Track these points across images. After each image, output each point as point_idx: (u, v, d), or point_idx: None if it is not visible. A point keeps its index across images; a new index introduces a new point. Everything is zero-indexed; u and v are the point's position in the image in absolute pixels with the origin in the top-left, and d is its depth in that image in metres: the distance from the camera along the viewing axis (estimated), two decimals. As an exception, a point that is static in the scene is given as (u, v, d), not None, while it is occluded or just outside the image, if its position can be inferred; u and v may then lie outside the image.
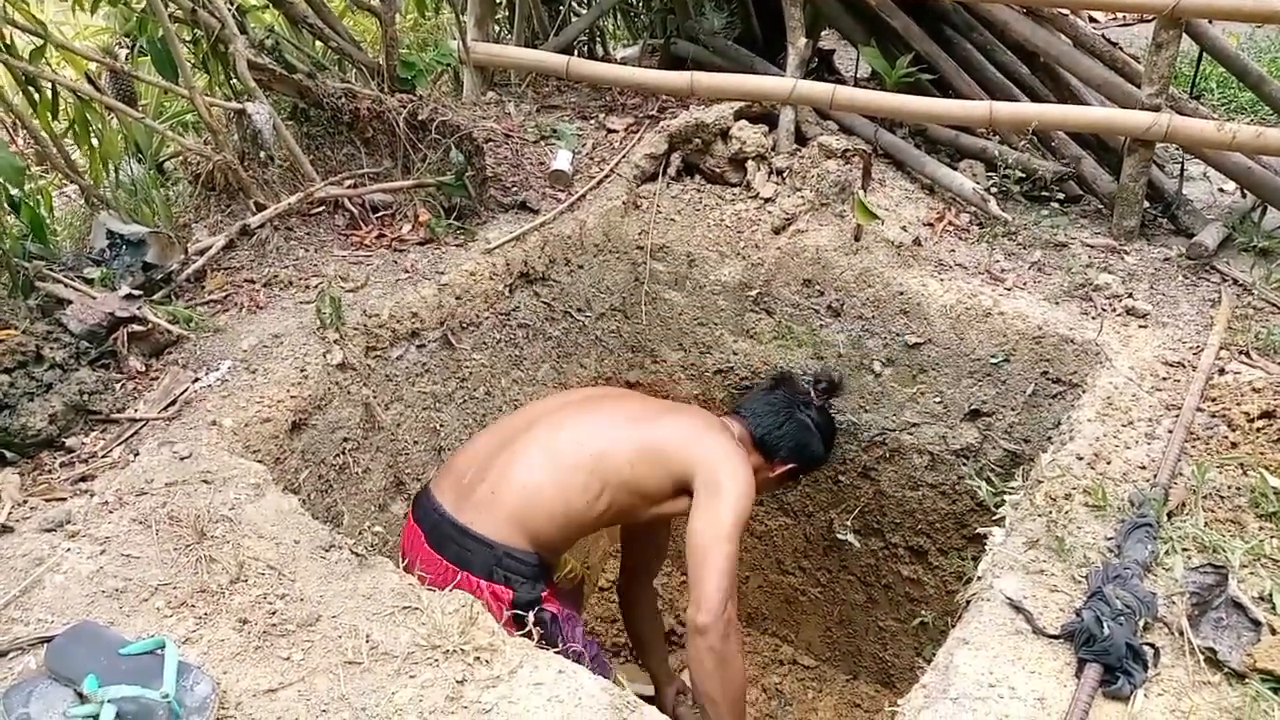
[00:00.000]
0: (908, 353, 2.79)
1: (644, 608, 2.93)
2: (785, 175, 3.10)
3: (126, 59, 3.44)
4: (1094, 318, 2.52)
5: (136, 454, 1.96)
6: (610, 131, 3.48)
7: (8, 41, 2.52)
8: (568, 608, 2.28)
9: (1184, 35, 2.70)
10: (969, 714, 1.43)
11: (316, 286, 2.52)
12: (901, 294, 2.76)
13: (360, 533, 2.24)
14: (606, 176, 3.22)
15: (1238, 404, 2.11)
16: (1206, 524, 1.77)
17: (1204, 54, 3.01)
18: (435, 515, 2.20)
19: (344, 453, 2.37)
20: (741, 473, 2.22)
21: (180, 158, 3.23)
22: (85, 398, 2.06)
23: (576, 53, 3.96)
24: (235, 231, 2.66)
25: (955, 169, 3.06)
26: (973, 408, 2.73)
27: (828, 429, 2.65)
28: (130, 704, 1.36)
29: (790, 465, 2.53)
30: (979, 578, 1.75)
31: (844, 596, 3.32)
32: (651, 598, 2.96)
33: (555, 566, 2.33)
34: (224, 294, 2.52)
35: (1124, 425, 2.10)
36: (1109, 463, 1.97)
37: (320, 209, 2.88)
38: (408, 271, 2.66)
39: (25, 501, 1.83)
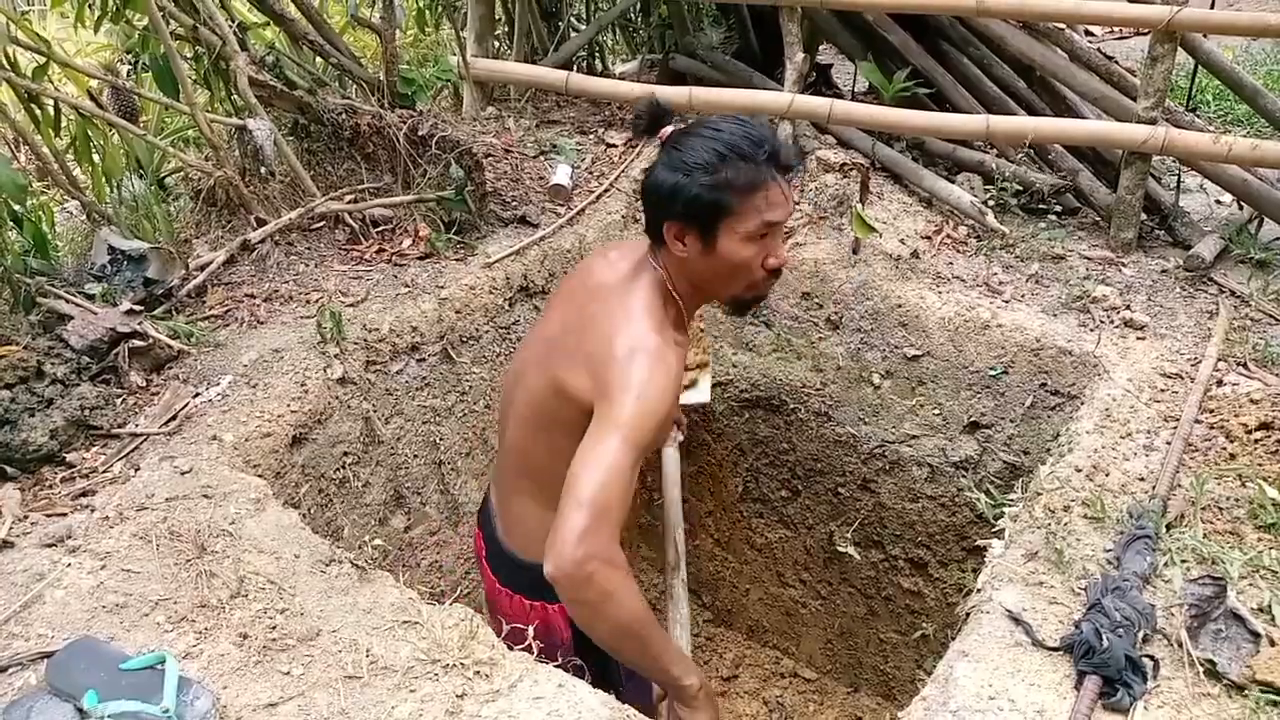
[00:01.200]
0: (906, 365, 2.79)
1: None
2: (784, 189, 3.11)
3: (128, 75, 3.46)
4: (1092, 330, 2.53)
5: (137, 469, 1.97)
6: (609, 146, 3.50)
7: (11, 59, 2.53)
8: None
9: (1180, 49, 2.72)
10: (969, 727, 1.42)
11: (317, 301, 2.52)
12: (900, 306, 2.76)
13: (360, 547, 2.24)
14: (606, 191, 3.23)
15: (1236, 415, 2.11)
16: (1205, 535, 1.77)
17: (1200, 67, 3.03)
18: (489, 528, 1.98)
19: (344, 467, 2.37)
20: (634, 372, 1.58)
21: (181, 173, 3.25)
22: (86, 413, 2.07)
23: (576, 68, 3.99)
24: (236, 247, 2.67)
25: (953, 182, 3.07)
26: (972, 420, 2.73)
27: (668, 153, 1.67)
28: (130, 719, 1.36)
29: (669, 225, 1.66)
30: (978, 590, 1.75)
31: (844, 609, 3.31)
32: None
33: None
34: (225, 309, 2.53)
35: (1122, 437, 2.10)
36: (1108, 474, 1.97)
37: (321, 224, 2.89)
38: (408, 286, 2.67)
39: (26, 517, 1.84)
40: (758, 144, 1.61)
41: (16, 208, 2.40)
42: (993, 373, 2.63)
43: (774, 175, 1.61)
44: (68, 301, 2.31)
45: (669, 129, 1.73)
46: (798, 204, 3.04)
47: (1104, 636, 1.48)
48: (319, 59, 3.42)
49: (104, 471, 1.98)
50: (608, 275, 1.82)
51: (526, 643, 1.60)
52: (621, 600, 1.51)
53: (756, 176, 1.60)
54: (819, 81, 3.89)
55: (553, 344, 1.79)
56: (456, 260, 2.83)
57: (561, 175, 3.18)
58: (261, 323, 2.49)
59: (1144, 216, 2.92)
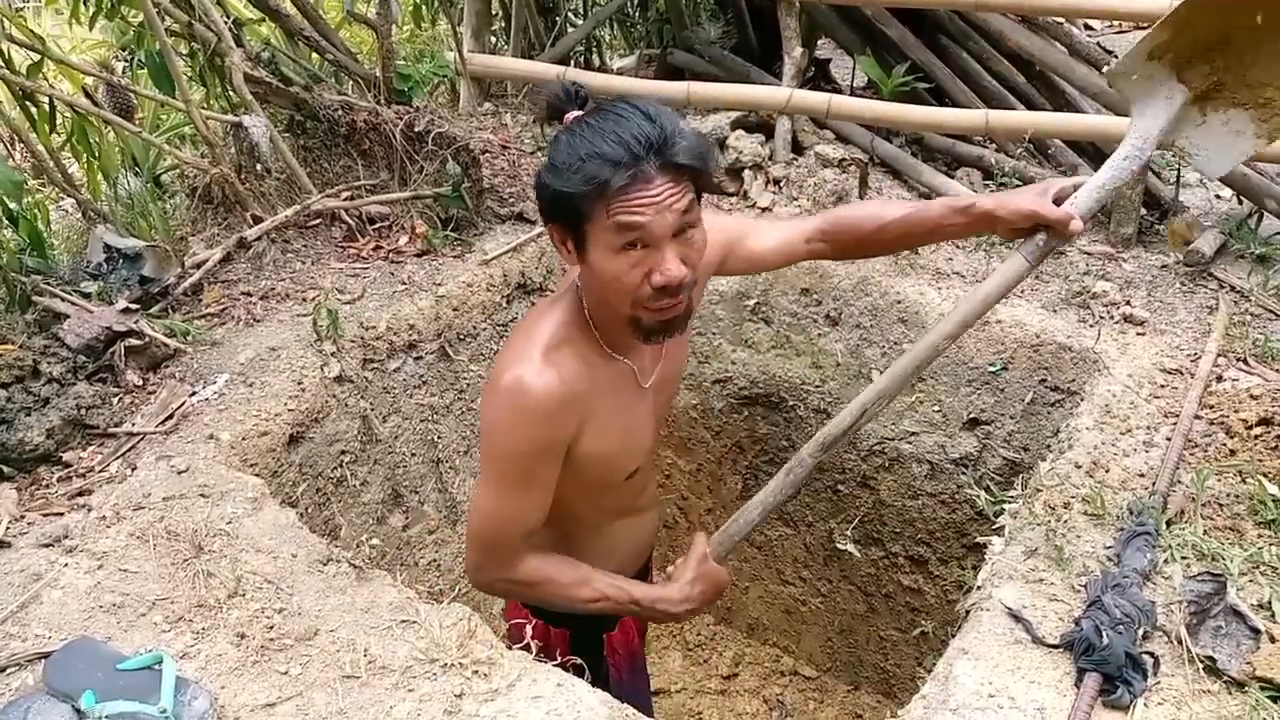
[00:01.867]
0: (906, 361, 2.78)
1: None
2: (782, 184, 3.11)
3: (124, 73, 3.45)
4: (1092, 325, 2.52)
5: (134, 468, 1.96)
6: (607, 142, 3.49)
7: (6, 56, 2.52)
8: (640, 649, 2.00)
9: (1178, 43, 2.71)
10: (969, 725, 1.42)
11: (313, 299, 2.52)
12: (899, 302, 2.76)
13: (358, 546, 2.24)
14: (604, 187, 3.22)
15: (1236, 411, 2.11)
16: (1205, 532, 1.76)
17: (1198, 61, 3.02)
18: None
19: (341, 465, 2.37)
20: (486, 411, 1.53)
21: (177, 171, 3.24)
22: (82, 412, 2.06)
23: (573, 63, 3.98)
24: (232, 244, 2.66)
25: (952, 177, 3.07)
26: (971, 416, 2.73)
27: (560, 151, 1.39)
28: (128, 719, 1.36)
29: (553, 226, 1.45)
30: (978, 587, 1.74)
31: (845, 606, 3.31)
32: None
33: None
34: (221, 307, 2.52)
35: (1122, 433, 2.09)
36: (1107, 471, 1.97)
37: (317, 221, 2.89)
38: (405, 283, 2.66)
39: (23, 516, 1.83)
40: (635, 138, 1.34)
41: (12, 206, 2.39)
42: (992, 369, 2.63)
43: (648, 174, 1.34)
44: (63, 300, 2.31)
45: (573, 114, 1.46)
46: (796, 199, 3.03)
47: (1104, 633, 1.47)
48: (315, 55, 3.41)
49: (101, 471, 1.97)
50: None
51: (525, 641, 1.59)
52: (538, 593, 1.66)
53: (616, 176, 1.33)
54: (817, 76, 3.88)
55: None
56: (454, 257, 2.82)
57: (559, 171, 3.16)
58: (258, 321, 2.48)
59: (1144, 211, 2.92)
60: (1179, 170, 3.14)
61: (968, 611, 1.71)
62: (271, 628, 1.58)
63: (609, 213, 1.35)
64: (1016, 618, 1.60)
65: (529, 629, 1.66)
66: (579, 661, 1.81)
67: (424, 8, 4.48)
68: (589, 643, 1.81)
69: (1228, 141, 1.61)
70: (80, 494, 1.91)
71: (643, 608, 1.71)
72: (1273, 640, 1.50)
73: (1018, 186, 2.96)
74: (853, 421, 1.77)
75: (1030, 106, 3.18)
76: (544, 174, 1.41)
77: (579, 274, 1.52)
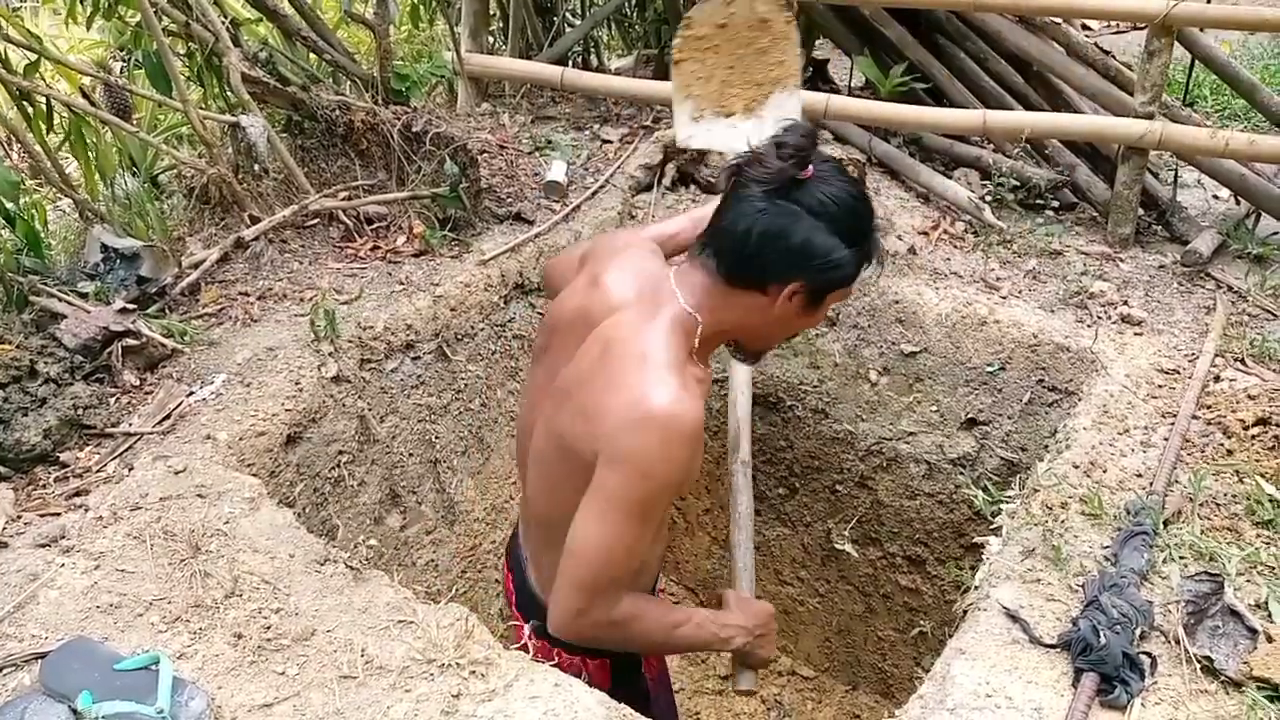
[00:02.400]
0: (904, 361, 2.79)
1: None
2: (780, 185, 3.11)
3: (121, 73, 3.45)
4: (1089, 325, 2.53)
5: (131, 468, 1.96)
6: (605, 142, 3.49)
7: (2, 56, 2.52)
8: (665, 670, 2.03)
9: (1177, 43, 2.71)
10: (966, 725, 1.42)
11: (311, 299, 2.51)
12: (897, 303, 2.76)
13: (355, 546, 2.24)
14: (601, 187, 3.22)
15: (1233, 411, 2.11)
16: (1203, 532, 1.76)
17: (1197, 62, 3.03)
18: (520, 571, 1.86)
19: (339, 466, 2.37)
20: (641, 439, 1.44)
21: (175, 171, 3.23)
22: (79, 412, 2.06)
23: (571, 64, 3.97)
24: (230, 244, 2.66)
25: (950, 178, 3.07)
26: (969, 416, 2.73)
27: (831, 208, 1.49)
28: (125, 719, 1.36)
29: (794, 285, 1.49)
30: (976, 587, 1.75)
31: (842, 606, 3.31)
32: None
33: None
34: (218, 307, 2.52)
35: (1120, 433, 2.10)
36: (1105, 471, 1.97)
37: (315, 221, 2.88)
38: (402, 283, 2.66)
39: (19, 517, 1.83)
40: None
41: (9, 206, 2.38)
42: (990, 369, 2.63)
43: None
44: (61, 300, 2.30)
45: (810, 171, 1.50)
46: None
47: (1101, 634, 1.48)
48: (312, 55, 3.41)
49: (98, 471, 1.97)
50: (611, 305, 1.62)
51: (522, 642, 1.59)
52: (634, 639, 1.58)
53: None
54: (815, 76, 3.88)
55: (555, 395, 1.63)
56: (451, 257, 2.82)
57: (557, 171, 3.17)
58: (255, 321, 2.48)
59: (1141, 212, 2.92)
60: (1176, 170, 3.15)
61: (965, 611, 1.71)
62: (268, 628, 1.57)
63: (850, 287, 1.56)
64: (1014, 618, 1.61)
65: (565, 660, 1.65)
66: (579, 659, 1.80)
67: (421, 8, 4.47)
68: (628, 669, 1.79)
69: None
70: (77, 494, 1.90)
71: (719, 625, 1.71)
72: (1270, 640, 1.50)
73: (1015, 187, 2.96)
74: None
75: (1028, 106, 3.18)
76: (839, 246, 1.47)
77: (713, 303, 1.54)
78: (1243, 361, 2.31)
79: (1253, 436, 2.02)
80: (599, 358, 1.55)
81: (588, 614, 1.49)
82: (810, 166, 1.51)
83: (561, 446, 1.57)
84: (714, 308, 1.54)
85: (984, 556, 1.82)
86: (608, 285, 1.67)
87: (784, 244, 1.47)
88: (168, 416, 2.11)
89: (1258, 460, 1.95)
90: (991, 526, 1.93)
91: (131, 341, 2.24)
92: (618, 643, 1.59)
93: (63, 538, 1.75)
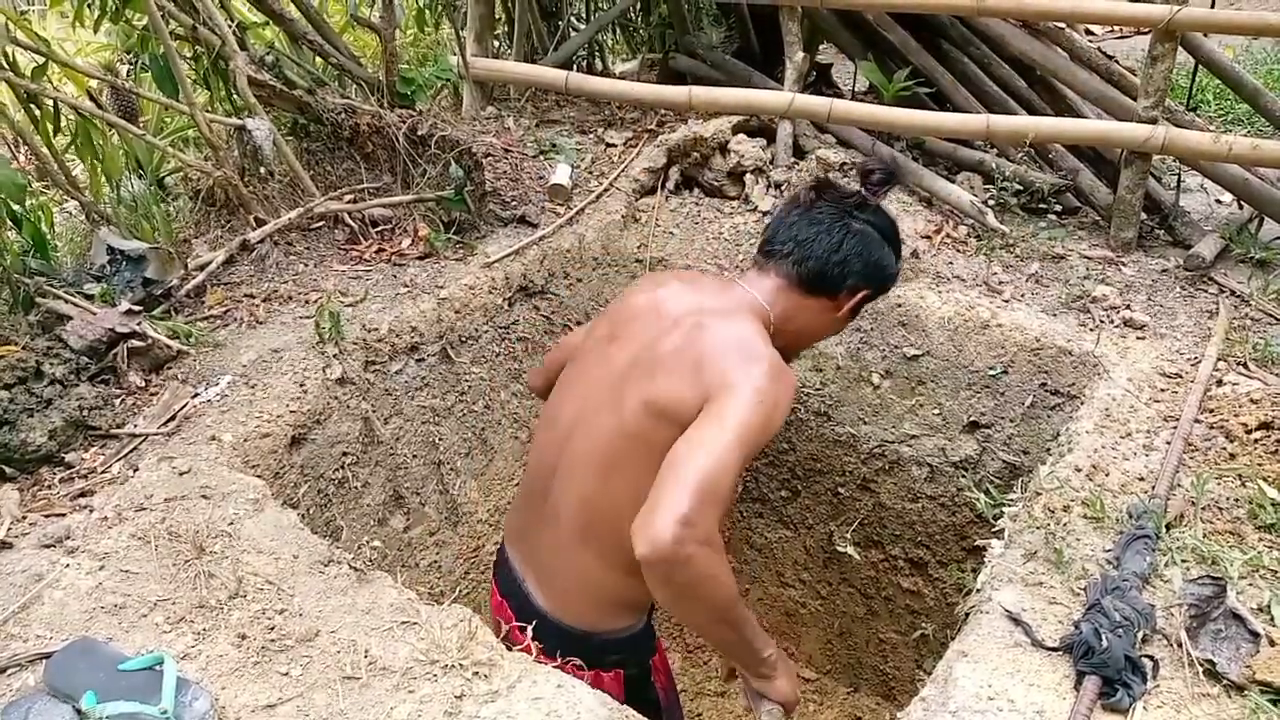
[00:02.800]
0: (906, 365, 2.79)
1: None
2: (783, 188, 3.12)
3: (128, 75, 3.46)
4: (1092, 329, 2.53)
5: (136, 469, 1.97)
6: (609, 146, 3.50)
7: (10, 59, 2.53)
8: (670, 675, 2.05)
9: (1180, 48, 2.71)
10: (968, 727, 1.42)
11: (316, 301, 2.52)
12: (900, 306, 2.76)
13: (359, 547, 2.24)
14: (605, 190, 3.23)
15: (1236, 415, 2.11)
16: (1205, 535, 1.76)
17: (1200, 66, 3.03)
18: (519, 596, 1.88)
19: (343, 467, 2.37)
20: (758, 375, 1.59)
21: (181, 173, 3.25)
22: (85, 413, 2.07)
23: (575, 67, 3.99)
24: (235, 247, 2.67)
25: (953, 182, 3.07)
26: (971, 419, 2.73)
27: (891, 231, 1.91)
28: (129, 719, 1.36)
29: (863, 291, 1.84)
30: (978, 590, 1.75)
31: (844, 609, 3.31)
32: None
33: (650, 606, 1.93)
34: (224, 309, 2.53)
35: (1122, 437, 2.10)
36: (1107, 474, 1.97)
37: (320, 224, 2.89)
38: (407, 286, 2.67)
39: (24, 517, 1.84)
40: None
41: (15, 208, 2.40)
42: (992, 372, 2.63)
43: None
44: (67, 302, 2.31)
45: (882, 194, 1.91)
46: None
47: (1103, 637, 1.48)
48: (318, 59, 3.42)
49: (103, 472, 1.98)
50: (692, 303, 1.78)
51: (525, 643, 1.60)
52: (720, 583, 1.49)
53: None
54: (819, 81, 3.89)
55: (627, 376, 1.72)
56: (456, 260, 2.82)
57: (561, 175, 3.18)
58: (260, 323, 2.49)
59: (1144, 216, 2.92)
60: (1179, 175, 3.15)
61: (967, 614, 1.71)
62: (272, 629, 1.58)
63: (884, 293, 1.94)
64: (1016, 621, 1.61)
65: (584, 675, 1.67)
66: (578, 661, 1.80)
67: (427, 12, 4.49)
68: (642, 677, 1.83)
69: None
70: (82, 495, 1.91)
71: (756, 652, 1.67)
72: (1272, 644, 1.50)
73: (1018, 191, 2.97)
74: None
75: (1031, 111, 3.18)
76: (887, 257, 1.86)
77: (785, 308, 1.81)
78: (1245, 366, 2.31)
79: (1255, 440, 2.02)
80: (693, 330, 1.70)
81: (695, 524, 1.42)
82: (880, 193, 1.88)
83: (653, 410, 1.64)
84: (785, 308, 1.80)
85: (986, 559, 1.82)
86: (677, 284, 1.87)
87: (865, 258, 1.81)
88: (173, 418, 2.12)
89: (1260, 464, 1.95)
90: (993, 529, 1.93)
91: (137, 343, 2.25)
92: (700, 579, 1.47)
93: (67, 538, 1.76)
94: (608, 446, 1.71)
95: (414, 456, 2.62)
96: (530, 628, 1.65)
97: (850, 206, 1.85)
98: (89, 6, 2.81)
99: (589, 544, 1.74)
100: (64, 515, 1.84)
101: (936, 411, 2.79)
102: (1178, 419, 2.12)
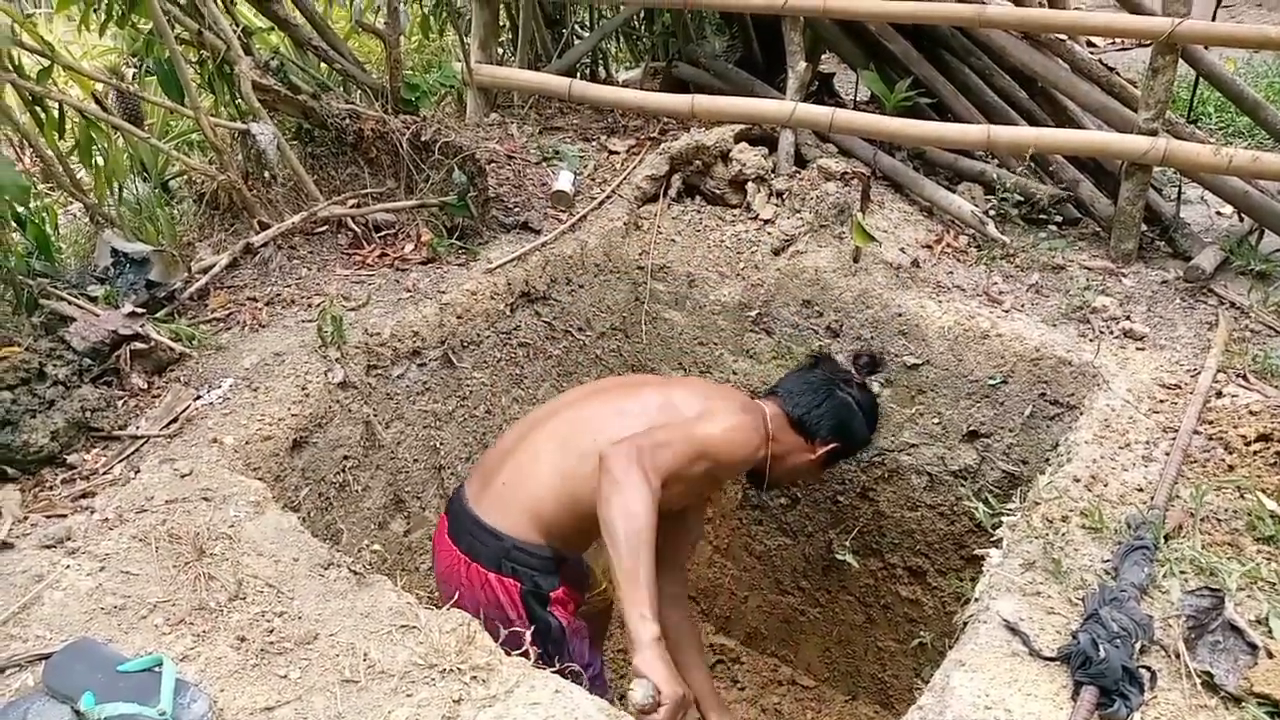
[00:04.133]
0: (906, 374, 2.80)
1: (670, 600, 2.37)
2: (785, 197, 3.12)
3: (133, 79, 3.48)
4: (1091, 340, 2.53)
5: (137, 471, 1.97)
6: (612, 153, 3.51)
7: (16, 62, 2.54)
8: (581, 621, 2.25)
9: (1181, 60, 2.72)
10: (965, 736, 1.42)
11: (319, 305, 2.53)
12: (900, 315, 2.77)
13: (359, 551, 2.25)
14: (608, 197, 3.24)
15: (1235, 427, 2.11)
16: (1203, 547, 1.77)
17: (1201, 79, 3.04)
18: (458, 505, 2.20)
19: (344, 471, 2.38)
20: (739, 418, 2.21)
21: (185, 177, 3.26)
22: (87, 415, 2.07)
23: (579, 75, 4.00)
24: (239, 250, 2.68)
25: (954, 192, 3.08)
26: (971, 429, 2.73)
27: (870, 407, 2.47)
28: (127, 721, 1.37)
29: (832, 445, 2.36)
30: (976, 599, 1.75)
31: (843, 617, 3.31)
32: (681, 587, 2.54)
33: (576, 562, 2.27)
34: (227, 312, 2.54)
35: (1121, 447, 2.10)
36: (1106, 485, 1.98)
37: (323, 228, 2.90)
38: (409, 290, 2.67)
39: (26, 518, 1.84)
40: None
41: (19, 210, 2.40)
42: (992, 382, 2.64)
43: None
44: (70, 303, 2.32)
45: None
46: (798, 211, 3.05)
47: (1101, 647, 1.48)
48: (323, 64, 3.43)
49: (104, 473, 1.98)
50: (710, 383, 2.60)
51: (524, 648, 1.60)
52: (637, 498, 1.87)
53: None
54: (821, 90, 3.90)
55: (666, 385, 2.37)
56: (458, 265, 2.83)
57: (564, 181, 3.19)
58: (263, 326, 2.50)
59: (1144, 227, 2.93)
60: (1180, 187, 3.16)
61: (965, 623, 1.72)
62: (271, 631, 1.58)
63: (854, 453, 2.57)
64: (1014, 630, 1.61)
65: (484, 578, 2.05)
66: (576, 668, 1.84)
67: (432, 18, 4.51)
68: (538, 596, 2.09)
69: None
70: (83, 496, 1.92)
71: (634, 612, 1.80)
72: (1270, 656, 1.50)
73: (1019, 202, 2.98)
74: None
75: (1032, 122, 3.19)
76: (859, 425, 2.42)
77: (776, 431, 2.33)
78: (1245, 377, 2.31)
79: (1254, 452, 2.02)
80: (707, 386, 2.47)
81: (648, 454, 1.94)
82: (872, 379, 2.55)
83: (660, 404, 2.22)
84: (777, 429, 2.34)
85: (984, 569, 1.82)
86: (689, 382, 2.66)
87: (839, 418, 2.37)
88: (175, 420, 2.12)
89: (1259, 476, 1.95)
90: (992, 539, 1.93)
91: (140, 345, 2.25)
92: (627, 485, 1.89)
93: (68, 539, 1.76)
94: (627, 401, 2.26)
95: (415, 460, 2.63)
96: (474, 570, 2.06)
97: (840, 378, 2.42)
98: (95, 10, 2.83)
99: (559, 457, 2.15)
100: (65, 516, 1.85)
101: (936, 420, 2.79)
102: (1177, 430, 2.12)
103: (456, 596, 1.96)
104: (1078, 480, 1.99)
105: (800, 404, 2.36)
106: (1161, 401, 2.26)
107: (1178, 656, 1.53)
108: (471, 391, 2.77)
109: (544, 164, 3.39)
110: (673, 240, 3.19)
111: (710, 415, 2.18)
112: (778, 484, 2.53)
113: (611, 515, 1.86)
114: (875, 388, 2.86)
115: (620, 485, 1.88)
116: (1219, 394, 2.26)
